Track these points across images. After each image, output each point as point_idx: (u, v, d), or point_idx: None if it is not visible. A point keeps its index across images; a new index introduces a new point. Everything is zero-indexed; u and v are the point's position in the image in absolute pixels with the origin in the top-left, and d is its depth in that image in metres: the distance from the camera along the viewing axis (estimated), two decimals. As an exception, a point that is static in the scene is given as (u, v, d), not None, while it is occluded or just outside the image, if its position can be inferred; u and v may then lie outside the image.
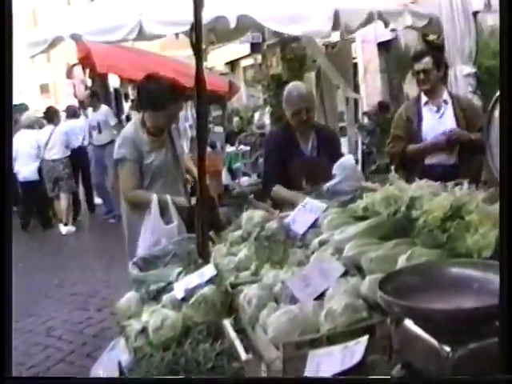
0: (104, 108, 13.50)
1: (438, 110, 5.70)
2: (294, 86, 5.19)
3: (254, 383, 2.21)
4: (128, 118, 18.70)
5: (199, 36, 3.16)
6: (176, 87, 4.94)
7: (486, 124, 2.22)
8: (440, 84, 5.81)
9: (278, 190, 5.01)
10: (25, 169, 12.48)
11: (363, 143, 10.96)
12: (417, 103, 5.84)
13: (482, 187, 3.00)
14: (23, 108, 15.25)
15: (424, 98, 5.75)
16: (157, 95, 4.85)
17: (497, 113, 2.11)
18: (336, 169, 4.33)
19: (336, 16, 7.33)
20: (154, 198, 4.77)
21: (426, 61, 5.67)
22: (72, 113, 15.09)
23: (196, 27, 3.23)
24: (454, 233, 2.51)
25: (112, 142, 12.61)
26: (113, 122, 13.24)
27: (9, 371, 2.03)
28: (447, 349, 1.75)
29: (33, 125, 13.19)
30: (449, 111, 5.69)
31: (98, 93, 15.89)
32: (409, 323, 1.90)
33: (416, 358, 1.89)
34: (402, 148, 5.72)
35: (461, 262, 2.15)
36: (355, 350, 1.99)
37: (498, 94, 2.11)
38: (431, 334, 1.82)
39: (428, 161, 5.65)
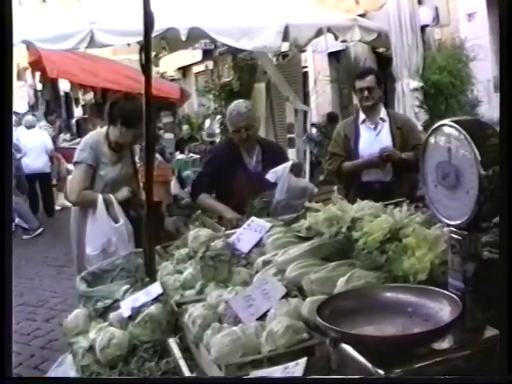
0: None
1: (375, 128, 5.82)
2: (234, 105, 5.34)
3: (252, 383, 2.26)
4: (78, 124, 18.57)
5: (149, 58, 3.21)
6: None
7: (422, 149, 2.28)
8: (379, 102, 5.93)
9: (203, 198, 5.22)
10: (37, 162, 13.94)
11: (311, 153, 11.06)
12: (355, 121, 5.96)
13: (420, 209, 3.10)
14: None
15: (362, 116, 5.87)
16: (131, 113, 4.88)
17: (432, 140, 2.18)
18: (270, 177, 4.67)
19: (286, 31, 7.42)
20: (99, 197, 4.85)
21: (370, 79, 5.77)
22: None
23: (146, 48, 3.29)
24: (392, 255, 2.58)
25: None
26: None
27: (9, 371, 2.06)
28: (381, 372, 1.81)
29: (34, 125, 14.82)
30: (385, 129, 5.80)
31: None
32: (346, 345, 1.98)
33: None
34: (339, 165, 5.85)
35: (395, 287, 2.23)
36: (295, 371, 2.06)
37: (437, 124, 2.18)
38: (366, 357, 1.88)
39: (366, 178, 5.78)
